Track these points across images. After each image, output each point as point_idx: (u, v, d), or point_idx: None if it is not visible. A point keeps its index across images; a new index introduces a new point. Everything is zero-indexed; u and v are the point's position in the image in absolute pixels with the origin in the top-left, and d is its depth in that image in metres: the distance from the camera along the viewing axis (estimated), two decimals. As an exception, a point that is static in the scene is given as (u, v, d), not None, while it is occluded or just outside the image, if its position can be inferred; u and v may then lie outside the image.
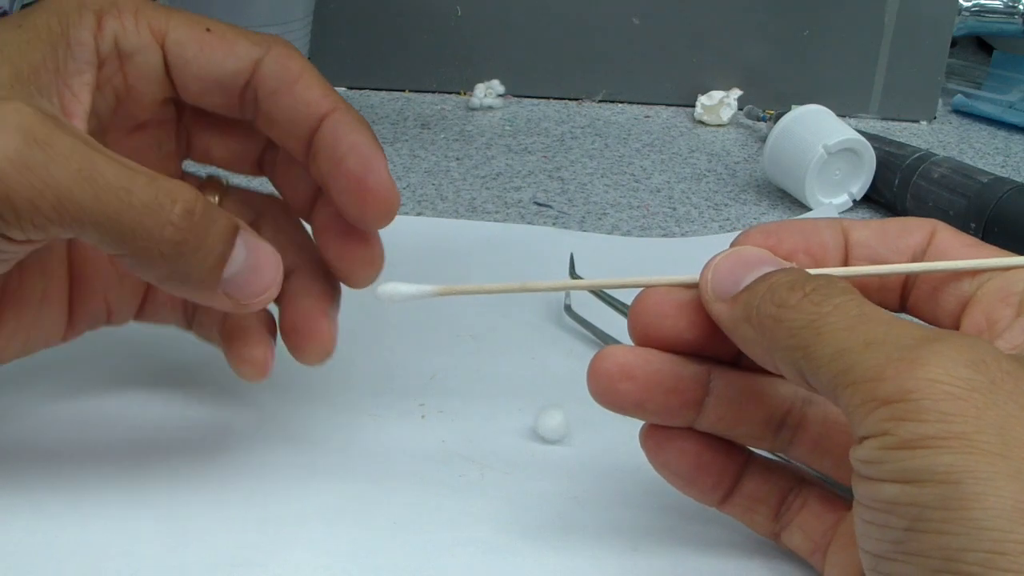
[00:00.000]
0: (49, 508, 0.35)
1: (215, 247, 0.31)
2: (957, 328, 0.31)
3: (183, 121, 0.37)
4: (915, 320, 0.33)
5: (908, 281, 0.33)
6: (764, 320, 0.29)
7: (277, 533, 0.34)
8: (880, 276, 0.33)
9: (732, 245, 0.33)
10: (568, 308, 0.47)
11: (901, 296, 0.33)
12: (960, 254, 0.32)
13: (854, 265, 0.33)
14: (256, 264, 0.32)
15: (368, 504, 0.36)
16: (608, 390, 0.32)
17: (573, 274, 0.49)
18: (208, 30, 0.35)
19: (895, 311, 0.33)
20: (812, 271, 0.31)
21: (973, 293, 0.31)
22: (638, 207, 0.62)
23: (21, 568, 0.32)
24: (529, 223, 0.59)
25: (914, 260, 0.32)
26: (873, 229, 0.33)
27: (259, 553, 0.33)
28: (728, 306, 0.30)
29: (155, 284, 0.32)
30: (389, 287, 0.33)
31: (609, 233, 0.58)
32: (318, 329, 0.36)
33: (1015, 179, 0.57)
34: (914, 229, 0.33)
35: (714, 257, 0.31)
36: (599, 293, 0.47)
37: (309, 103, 0.35)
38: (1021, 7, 0.80)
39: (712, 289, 0.31)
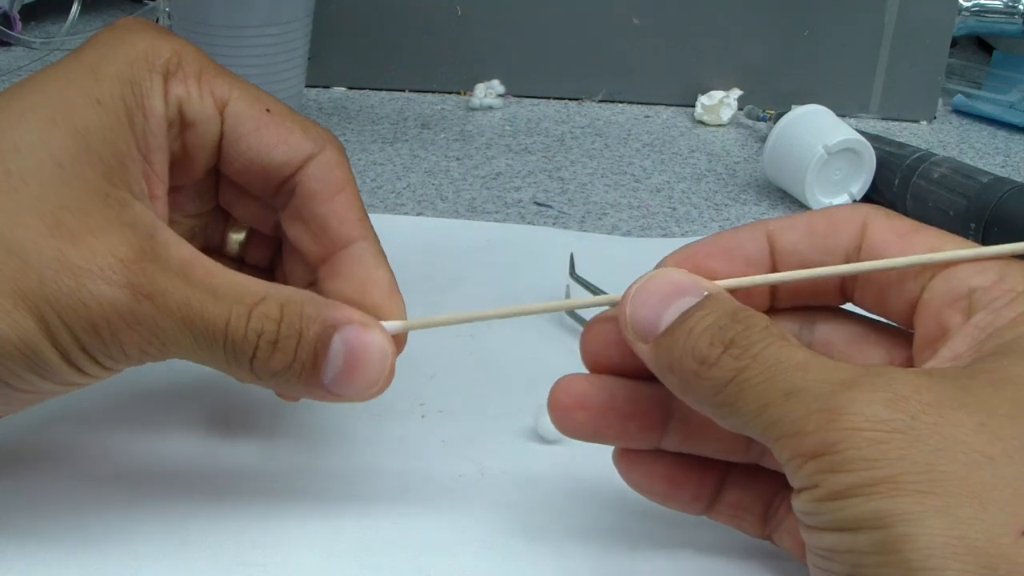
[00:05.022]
0: (49, 508, 0.35)
1: (306, 361, 0.31)
2: (912, 329, 0.30)
3: (216, 175, 0.37)
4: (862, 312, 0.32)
5: (845, 277, 0.32)
6: (687, 376, 0.28)
7: (277, 533, 0.34)
8: (807, 280, 0.32)
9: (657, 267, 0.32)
10: (568, 308, 0.47)
11: (841, 292, 0.32)
12: (896, 246, 0.30)
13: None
14: (355, 363, 0.32)
15: (368, 504, 0.36)
16: (565, 420, 0.32)
17: (573, 274, 0.49)
18: (267, 110, 0.34)
19: (838, 305, 0.33)
20: (730, 282, 0.30)
21: (919, 294, 0.30)
22: (638, 207, 0.62)
23: (22, 568, 0.32)
24: (529, 223, 0.59)
25: (847, 259, 0.31)
26: (800, 231, 0.32)
27: (259, 553, 0.33)
28: (651, 349, 0.29)
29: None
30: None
31: (609, 233, 0.58)
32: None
33: (1015, 179, 0.57)
34: (843, 224, 0.31)
35: (632, 285, 0.30)
36: (598, 293, 0.47)
37: (343, 221, 0.35)
38: (1021, 7, 0.80)
39: (632, 327, 0.30)
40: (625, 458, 0.33)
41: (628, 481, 0.33)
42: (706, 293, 0.29)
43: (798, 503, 0.26)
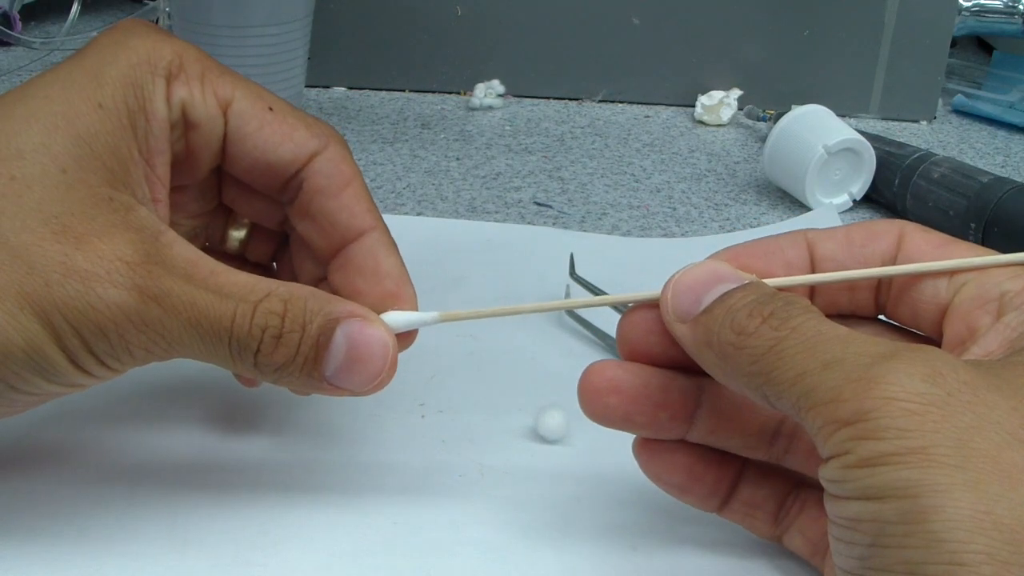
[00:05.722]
0: (49, 508, 0.35)
1: (308, 354, 0.32)
2: (940, 337, 0.31)
3: (219, 174, 0.37)
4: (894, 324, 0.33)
5: (881, 287, 0.32)
6: (725, 348, 0.29)
7: (277, 533, 0.34)
8: (847, 282, 0.32)
9: None
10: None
11: (875, 303, 0.33)
12: (931, 256, 0.31)
13: None
14: (357, 356, 0.32)
15: (368, 504, 0.36)
16: (596, 404, 0.32)
17: (573, 274, 0.49)
18: (270, 109, 0.34)
19: (871, 317, 0.33)
20: (770, 281, 0.31)
21: (951, 299, 0.31)
22: (638, 207, 0.62)
23: (22, 568, 0.32)
24: (529, 223, 0.59)
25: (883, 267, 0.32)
26: (839, 240, 0.32)
27: (259, 553, 0.34)
28: (689, 328, 0.30)
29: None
30: (391, 316, 0.33)
31: (609, 233, 0.58)
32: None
33: (1015, 179, 0.57)
34: (881, 234, 0.32)
35: (673, 274, 0.31)
36: (598, 293, 0.47)
37: (353, 214, 0.35)
38: (1021, 7, 0.80)
39: (672, 310, 0.31)
40: (646, 448, 0.33)
41: (647, 471, 0.33)
42: (747, 280, 0.30)
43: (826, 471, 0.26)
